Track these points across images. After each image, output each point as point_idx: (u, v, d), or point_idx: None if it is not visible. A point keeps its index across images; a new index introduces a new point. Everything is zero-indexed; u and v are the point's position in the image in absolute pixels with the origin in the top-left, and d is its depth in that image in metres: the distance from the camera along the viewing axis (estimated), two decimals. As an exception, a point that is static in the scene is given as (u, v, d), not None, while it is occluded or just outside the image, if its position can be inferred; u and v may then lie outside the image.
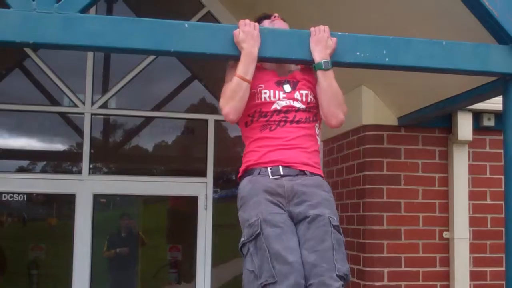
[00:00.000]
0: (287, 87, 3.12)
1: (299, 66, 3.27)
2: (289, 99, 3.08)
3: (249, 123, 3.12)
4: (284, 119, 3.05)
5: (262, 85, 3.10)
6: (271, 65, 3.22)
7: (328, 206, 2.96)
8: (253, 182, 2.99)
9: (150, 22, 2.92)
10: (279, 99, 3.07)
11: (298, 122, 3.06)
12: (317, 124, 3.17)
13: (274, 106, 3.06)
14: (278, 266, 2.74)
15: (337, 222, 2.93)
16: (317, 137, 3.17)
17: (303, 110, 3.08)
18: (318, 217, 2.87)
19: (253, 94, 3.07)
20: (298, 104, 3.08)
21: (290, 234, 2.85)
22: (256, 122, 3.09)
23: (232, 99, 2.95)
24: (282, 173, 2.99)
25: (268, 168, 3.00)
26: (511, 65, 3.27)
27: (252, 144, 3.11)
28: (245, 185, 3.02)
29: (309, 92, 3.13)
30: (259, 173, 3.01)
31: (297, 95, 3.10)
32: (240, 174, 3.14)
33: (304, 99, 3.10)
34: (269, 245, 2.78)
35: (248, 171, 3.08)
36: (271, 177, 2.98)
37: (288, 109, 3.06)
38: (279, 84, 3.13)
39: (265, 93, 3.08)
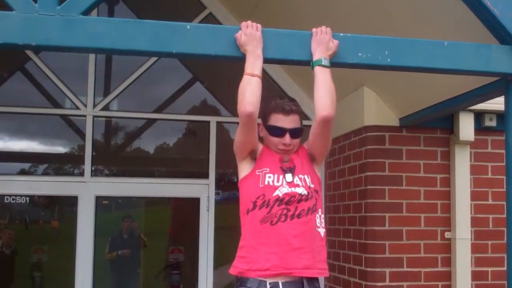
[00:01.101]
0: (289, 177, 3.06)
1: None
2: (291, 186, 3.03)
3: (251, 210, 3.03)
4: (285, 212, 2.98)
5: (268, 169, 3.06)
6: (278, 150, 3.15)
7: None
8: None
9: (152, 24, 2.93)
10: (282, 185, 3.02)
11: (299, 216, 2.99)
12: (317, 215, 3.09)
13: (277, 193, 3.00)
14: None
15: None
16: (318, 229, 3.09)
17: (306, 199, 3.02)
18: None
19: (257, 178, 3.05)
20: (300, 190, 3.03)
21: None
22: (258, 211, 3.00)
23: (244, 96, 2.87)
24: None
25: (268, 283, 2.94)
26: (513, 65, 3.28)
27: (250, 237, 3.03)
28: None
29: (307, 175, 3.10)
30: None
31: (297, 180, 3.05)
32: (236, 274, 3.05)
33: (303, 183, 3.06)
34: None
35: (245, 280, 2.99)
36: None
37: (290, 199, 3.00)
38: (282, 170, 3.08)
39: (269, 177, 3.04)
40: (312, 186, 3.09)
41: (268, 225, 2.97)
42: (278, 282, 2.94)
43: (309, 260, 2.99)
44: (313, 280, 3.03)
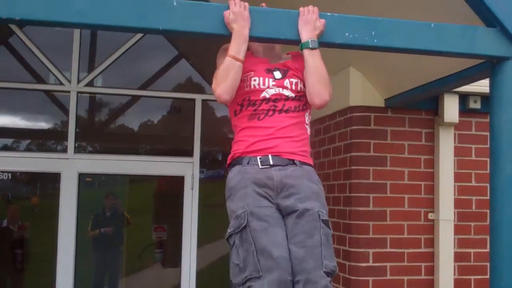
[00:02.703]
0: (277, 74, 3.09)
1: (290, 56, 3.25)
2: (278, 86, 3.05)
3: (238, 112, 3.09)
4: (272, 108, 3.02)
5: (252, 72, 3.07)
6: (263, 52, 3.20)
7: (317, 199, 2.94)
8: (242, 173, 2.95)
9: (138, 0, 2.88)
10: (268, 87, 3.04)
11: (287, 111, 3.03)
12: (306, 113, 3.13)
13: (263, 94, 3.03)
14: (263, 260, 2.73)
15: (326, 216, 2.91)
16: (307, 126, 3.13)
17: (293, 99, 3.06)
18: (306, 212, 2.86)
19: (243, 81, 3.03)
20: (287, 92, 3.05)
21: (277, 228, 2.84)
22: (244, 110, 3.05)
23: (224, 80, 2.89)
24: (271, 162, 2.96)
25: (258, 158, 2.97)
26: (498, 47, 3.27)
27: (240, 133, 3.08)
28: (234, 176, 2.99)
29: (299, 81, 3.10)
30: (248, 162, 2.97)
31: (286, 82, 3.07)
32: (228, 162, 3.10)
33: (293, 87, 3.08)
34: (255, 239, 2.77)
35: (236, 160, 3.04)
36: (260, 166, 2.95)
37: (277, 98, 3.03)
38: (269, 71, 3.10)
39: (255, 80, 3.06)
40: (302, 89, 3.09)
41: (256, 120, 3.02)
42: (268, 156, 2.98)
43: (295, 148, 3.02)
44: (303, 163, 3.04)
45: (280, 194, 2.92)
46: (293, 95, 3.06)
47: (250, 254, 2.75)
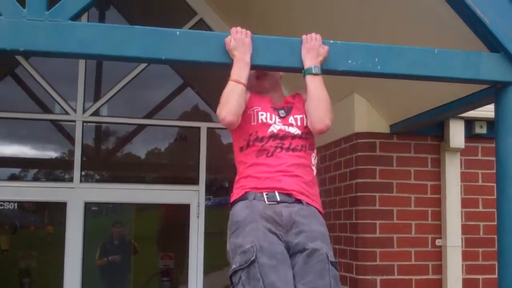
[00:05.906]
0: (282, 113, 3.07)
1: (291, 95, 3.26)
2: (284, 124, 3.04)
3: (245, 148, 3.04)
4: (280, 145, 2.98)
5: (259, 107, 3.06)
6: (267, 91, 3.19)
7: (325, 240, 2.87)
8: (249, 207, 2.88)
9: (142, 30, 2.90)
10: (275, 123, 3.03)
11: (294, 149, 2.99)
12: (313, 154, 3.10)
13: (271, 129, 3.01)
14: None
15: (334, 258, 2.86)
16: (313, 168, 3.09)
17: (299, 137, 3.03)
18: (316, 252, 2.79)
19: (249, 116, 3.04)
20: (293, 130, 3.03)
21: (286, 266, 2.75)
22: (252, 146, 3.01)
23: (227, 103, 2.86)
24: (278, 199, 2.90)
25: (264, 194, 2.91)
26: (503, 73, 3.27)
27: (248, 170, 3.01)
28: (240, 210, 2.90)
29: (303, 116, 3.08)
30: (254, 198, 2.91)
31: (291, 120, 3.06)
32: (233, 199, 3.01)
33: (299, 123, 3.06)
34: (263, 275, 2.67)
35: (242, 196, 2.96)
36: (267, 202, 2.89)
37: (285, 135, 3.01)
38: (275, 109, 3.09)
39: (262, 114, 3.04)
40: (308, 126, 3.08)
41: (264, 157, 2.98)
42: (274, 192, 2.92)
43: (303, 189, 2.97)
44: (310, 205, 2.98)
45: (290, 231, 2.85)
46: (299, 132, 3.04)
47: None
